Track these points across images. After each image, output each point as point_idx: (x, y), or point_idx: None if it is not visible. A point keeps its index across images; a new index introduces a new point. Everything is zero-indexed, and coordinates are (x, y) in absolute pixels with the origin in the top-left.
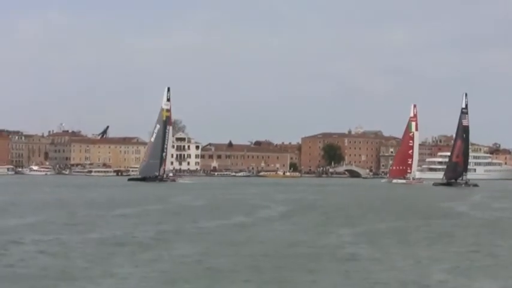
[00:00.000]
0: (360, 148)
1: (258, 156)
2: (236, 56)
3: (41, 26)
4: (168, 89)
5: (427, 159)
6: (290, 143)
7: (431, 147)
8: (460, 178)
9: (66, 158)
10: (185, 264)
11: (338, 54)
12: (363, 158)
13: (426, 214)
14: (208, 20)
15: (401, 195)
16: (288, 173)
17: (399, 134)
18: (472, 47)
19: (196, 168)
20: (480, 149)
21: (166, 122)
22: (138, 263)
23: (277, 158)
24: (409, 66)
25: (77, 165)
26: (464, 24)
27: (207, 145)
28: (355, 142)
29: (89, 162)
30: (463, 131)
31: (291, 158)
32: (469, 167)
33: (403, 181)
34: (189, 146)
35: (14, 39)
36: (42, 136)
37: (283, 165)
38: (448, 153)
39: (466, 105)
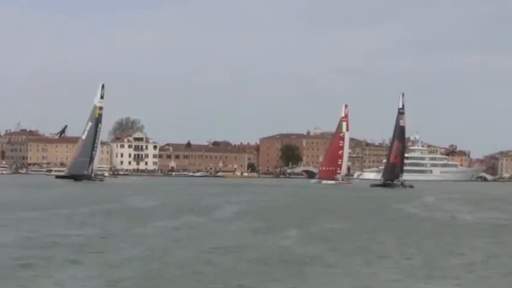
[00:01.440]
0: (317, 149)
1: (216, 157)
2: (195, 56)
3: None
4: (103, 86)
5: (384, 160)
6: (248, 144)
7: (388, 148)
8: (396, 179)
9: (23, 157)
10: None
11: (297, 55)
12: (321, 158)
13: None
14: (167, 19)
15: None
16: (245, 174)
17: (357, 136)
18: (428, 50)
19: (154, 168)
20: (437, 151)
21: (98, 119)
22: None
23: (235, 158)
24: (368, 68)
25: (34, 164)
26: (420, 27)
27: (165, 145)
28: (313, 143)
29: (46, 161)
30: (400, 132)
31: (249, 159)
32: (425, 168)
33: (333, 182)
34: (146, 146)
35: None
36: None
37: (241, 166)
38: (405, 154)
39: (403, 106)
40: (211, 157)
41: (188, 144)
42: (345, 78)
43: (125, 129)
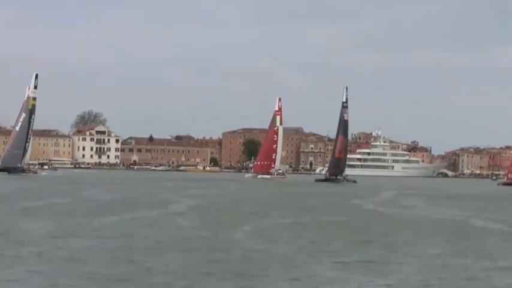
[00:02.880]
0: None
1: (178, 151)
2: (158, 51)
3: None
4: (36, 76)
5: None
6: (211, 138)
7: (351, 144)
8: (340, 174)
9: None
10: None
11: (262, 50)
12: (283, 154)
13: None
14: (129, 13)
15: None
16: (208, 168)
17: (319, 131)
18: (394, 47)
19: (116, 162)
20: (399, 147)
21: (32, 110)
22: None
23: (198, 152)
24: (332, 65)
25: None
26: (377, 24)
27: (127, 139)
28: None
29: None
30: (344, 126)
31: (212, 153)
32: (387, 164)
33: (268, 176)
34: (109, 140)
35: None
36: None
37: (204, 160)
38: (367, 150)
39: (347, 99)
40: (173, 151)
41: (150, 138)
42: (303, 73)
43: (87, 123)
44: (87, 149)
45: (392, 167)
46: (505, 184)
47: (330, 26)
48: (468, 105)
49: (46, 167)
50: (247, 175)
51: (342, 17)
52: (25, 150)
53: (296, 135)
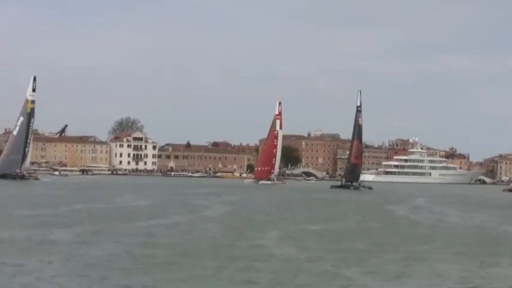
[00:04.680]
0: (317, 150)
1: (215, 157)
2: (196, 56)
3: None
4: (34, 79)
5: (383, 163)
6: (248, 145)
7: (388, 151)
8: (356, 181)
9: None
10: None
11: (299, 57)
12: (320, 160)
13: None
14: (163, 19)
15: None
16: (244, 174)
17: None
18: (422, 52)
19: (153, 168)
20: (436, 153)
21: (30, 114)
22: None
23: (235, 159)
24: (365, 71)
25: (33, 163)
26: (414, 29)
27: (164, 145)
28: (312, 144)
29: (45, 160)
30: (359, 131)
31: (249, 160)
32: (424, 171)
33: (268, 182)
34: (146, 146)
35: None
36: None
37: (241, 167)
38: (404, 157)
39: (361, 104)
40: (210, 158)
41: (188, 145)
42: (338, 79)
43: (124, 129)
44: (125, 155)
45: (430, 173)
46: None
47: (362, 31)
48: (506, 112)
49: (57, 173)
50: (246, 181)
51: (373, 23)
52: (24, 155)
53: (333, 142)
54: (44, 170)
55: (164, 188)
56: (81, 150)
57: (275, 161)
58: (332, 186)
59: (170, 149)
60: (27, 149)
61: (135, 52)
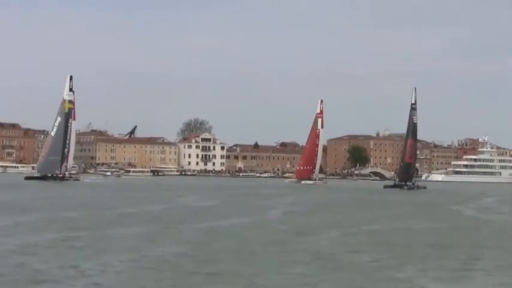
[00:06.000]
0: (385, 150)
1: (283, 158)
2: (261, 58)
3: (66, 24)
4: (71, 78)
5: (453, 162)
6: None
7: (457, 150)
8: (410, 180)
9: (92, 158)
10: None
11: (366, 57)
12: (389, 160)
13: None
14: (229, 21)
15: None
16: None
17: (425, 138)
18: (487, 51)
19: (222, 169)
20: (506, 153)
21: (68, 114)
22: None
23: None
24: (432, 70)
25: (102, 164)
26: (478, 28)
27: (232, 146)
28: (380, 144)
29: (114, 161)
30: (414, 129)
31: None
32: (494, 170)
33: (310, 182)
34: (214, 147)
35: (41, 36)
36: None
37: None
38: (474, 156)
39: (415, 101)
40: (278, 158)
41: (256, 145)
42: (406, 79)
43: (193, 130)
44: (193, 156)
45: (500, 173)
46: None
47: (429, 31)
48: None
49: (109, 173)
50: (287, 180)
51: (441, 23)
52: (64, 156)
53: (401, 142)
54: (93, 171)
55: (227, 189)
56: (150, 152)
57: (316, 160)
58: (385, 186)
59: (238, 149)
60: (66, 150)
61: (204, 54)
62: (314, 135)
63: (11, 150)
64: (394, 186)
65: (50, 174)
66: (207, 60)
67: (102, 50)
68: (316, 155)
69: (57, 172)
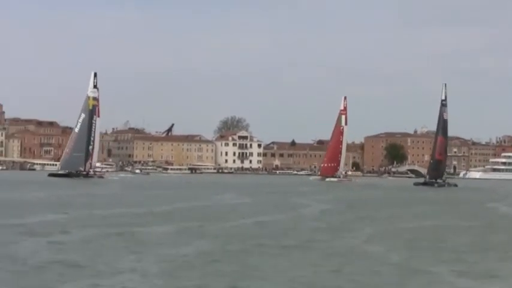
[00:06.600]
0: (423, 148)
1: (320, 155)
2: (299, 55)
3: (105, 23)
4: (95, 75)
5: (491, 160)
6: (353, 142)
7: (495, 148)
8: (440, 178)
9: (129, 155)
10: None
11: (404, 55)
12: (426, 157)
13: None
14: (269, 21)
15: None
16: (349, 173)
17: (463, 135)
18: None
19: (258, 167)
20: None
21: (93, 111)
22: None
23: None
24: (471, 67)
25: (140, 162)
26: None
27: (269, 144)
28: (418, 142)
29: (151, 159)
30: (444, 126)
31: (354, 157)
32: None
33: (335, 179)
34: (251, 145)
35: (80, 35)
36: (106, 133)
37: (346, 165)
38: None
39: (446, 97)
40: (315, 156)
41: (293, 143)
42: (446, 76)
43: (230, 128)
44: (230, 154)
45: None
46: None
47: (467, 29)
48: None
49: (138, 170)
50: (312, 178)
51: (477, 21)
52: (88, 153)
53: None
54: (115, 169)
55: (262, 187)
56: (187, 149)
57: (341, 157)
58: (415, 184)
59: (275, 147)
60: (91, 147)
61: (241, 52)
62: (338, 132)
63: (49, 148)
64: (425, 183)
65: (73, 171)
66: (244, 58)
67: (140, 48)
68: (341, 152)
69: (81, 169)
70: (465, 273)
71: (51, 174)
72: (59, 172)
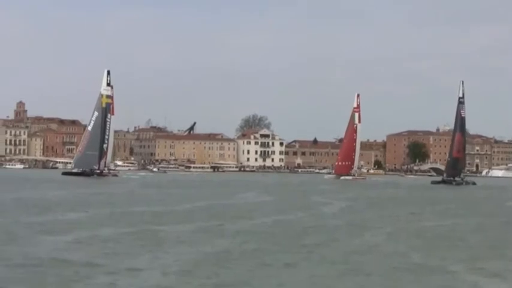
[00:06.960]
0: (445, 146)
1: None
2: (321, 52)
3: (127, 23)
4: (108, 72)
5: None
6: (375, 141)
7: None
8: (458, 176)
9: (151, 154)
10: None
11: (426, 52)
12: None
13: None
14: (290, 19)
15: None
16: (371, 171)
17: (485, 133)
18: None
19: (281, 165)
20: None
21: (106, 109)
22: None
23: (362, 155)
24: (490, 65)
25: (162, 160)
26: None
27: (291, 142)
28: (440, 140)
29: (173, 158)
30: (462, 123)
31: (376, 156)
32: None
33: (349, 178)
34: (273, 143)
35: (99, 35)
36: (128, 132)
37: (368, 163)
38: None
39: (463, 95)
40: (337, 154)
41: (315, 141)
42: (467, 74)
43: (252, 126)
44: (252, 152)
45: None
46: None
47: (496, 27)
48: None
49: (155, 169)
50: (326, 176)
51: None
52: (102, 151)
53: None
54: (132, 167)
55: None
56: (209, 148)
57: (355, 155)
58: (433, 182)
59: (297, 145)
60: (105, 146)
61: (262, 51)
62: (351, 130)
63: (71, 147)
64: (442, 182)
65: (87, 170)
66: (265, 57)
67: (161, 47)
68: (355, 150)
69: (95, 167)
70: (482, 271)
71: (65, 173)
72: (73, 170)
